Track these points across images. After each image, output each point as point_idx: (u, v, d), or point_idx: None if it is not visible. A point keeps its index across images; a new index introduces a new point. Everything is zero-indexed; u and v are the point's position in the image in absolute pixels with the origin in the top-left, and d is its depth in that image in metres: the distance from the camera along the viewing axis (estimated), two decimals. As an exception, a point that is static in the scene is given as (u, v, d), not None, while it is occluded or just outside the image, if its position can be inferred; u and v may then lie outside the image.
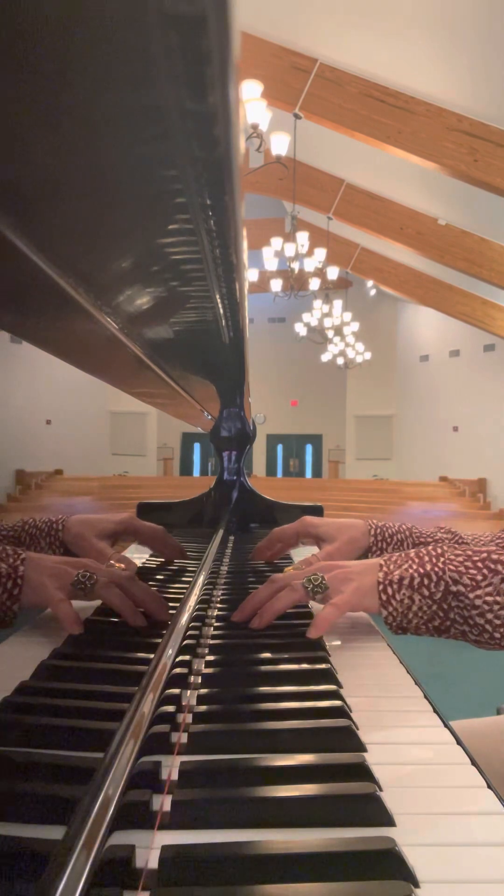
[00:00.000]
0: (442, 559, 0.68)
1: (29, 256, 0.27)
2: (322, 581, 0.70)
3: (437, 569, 0.67)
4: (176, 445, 14.49)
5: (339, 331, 11.01)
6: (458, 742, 0.46)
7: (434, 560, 0.68)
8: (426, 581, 0.67)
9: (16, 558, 0.68)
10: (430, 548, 0.71)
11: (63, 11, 0.15)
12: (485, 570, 0.66)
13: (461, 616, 0.66)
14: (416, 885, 0.30)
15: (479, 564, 0.66)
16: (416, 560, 0.69)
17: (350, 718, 0.46)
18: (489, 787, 0.40)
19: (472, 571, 0.66)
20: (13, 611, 0.66)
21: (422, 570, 0.68)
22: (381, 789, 0.37)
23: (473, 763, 0.43)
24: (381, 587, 0.69)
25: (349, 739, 0.43)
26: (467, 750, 0.45)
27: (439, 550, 0.70)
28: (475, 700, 3.08)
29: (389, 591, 0.68)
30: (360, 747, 0.43)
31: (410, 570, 0.68)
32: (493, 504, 9.69)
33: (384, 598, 0.68)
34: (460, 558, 0.67)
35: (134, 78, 0.18)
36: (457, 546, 0.70)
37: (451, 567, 0.67)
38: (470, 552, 0.68)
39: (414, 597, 0.67)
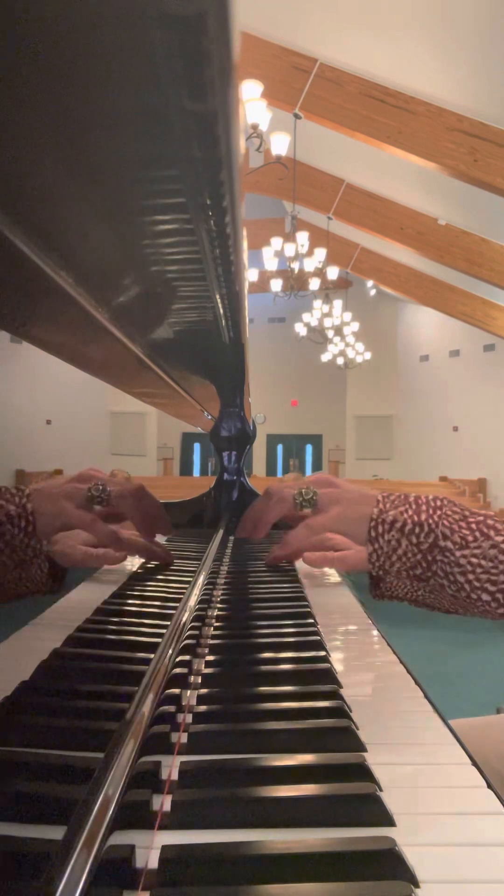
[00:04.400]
0: (438, 512, 0.68)
1: (29, 256, 0.27)
2: (313, 496, 0.70)
3: (431, 521, 0.67)
4: (176, 445, 14.49)
5: (339, 331, 11.02)
6: (458, 742, 0.46)
7: (430, 512, 0.68)
8: (417, 530, 0.67)
9: (21, 495, 0.69)
10: (431, 498, 0.70)
11: (63, 11, 0.15)
12: (477, 533, 0.65)
13: (443, 570, 0.66)
14: (416, 885, 0.30)
15: (473, 526, 0.66)
16: (414, 506, 0.69)
17: (350, 718, 0.46)
18: (489, 786, 0.40)
19: (464, 531, 0.66)
20: (32, 547, 0.67)
21: (416, 518, 0.67)
22: (381, 789, 0.37)
23: (473, 763, 0.43)
24: (372, 523, 0.68)
25: (349, 739, 0.43)
26: (467, 750, 0.45)
27: (439, 503, 0.69)
28: (475, 700, 3.08)
29: (380, 528, 0.68)
30: (360, 747, 0.43)
31: (405, 515, 0.68)
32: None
33: (373, 534, 0.68)
34: (456, 516, 0.67)
35: (134, 78, 0.19)
36: (455, 504, 0.70)
37: (446, 523, 0.67)
38: (468, 512, 0.68)
39: (402, 541, 0.67)
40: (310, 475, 0.78)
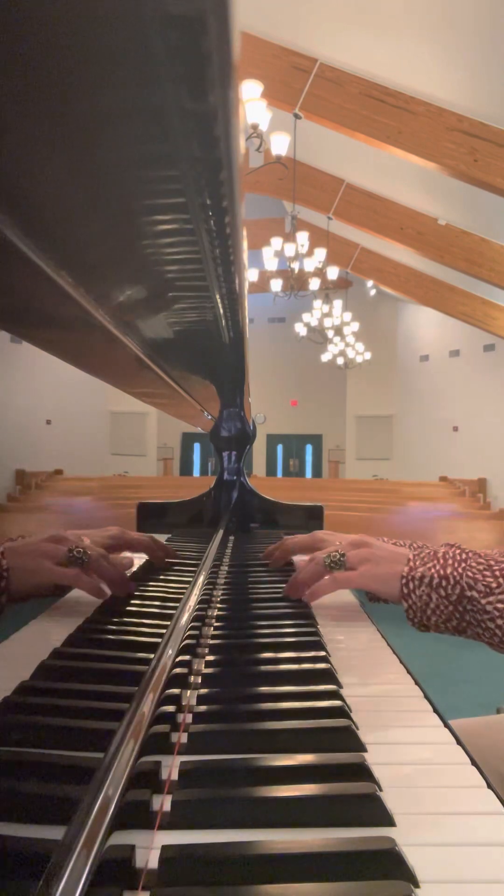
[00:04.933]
0: (463, 564, 0.71)
1: (29, 256, 0.27)
2: (340, 558, 0.76)
3: (456, 573, 0.71)
4: (176, 445, 14.48)
5: (339, 331, 11.02)
6: (458, 742, 0.46)
7: (455, 564, 0.72)
8: (444, 583, 0.71)
9: None
10: (457, 551, 0.74)
11: (63, 12, 0.15)
12: (501, 579, 0.68)
13: (474, 619, 0.70)
14: (416, 885, 0.30)
15: (497, 573, 0.69)
16: (441, 561, 0.73)
17: (350, 718, 0.46)
18: (489, 786, 0.40)
19: (488, 579, 0.69)
20: (1, 602, 0.70)
21: (442, 572, 0.71)
22: (381, 789, 0.37)
23: (473, 763, 0.43)
24: (403, 581, 0.73)
25: (349, 739, 0.43)
26: (467, 750, 0.44)
27: (464, 556, 0.73)
28: (475, 700, 3.08)
29: (411, 585, 0.72)
30: (360, 747, 0.43)
31: (432, 570, 0.72)
32: (493, 504, 9.68)
33: (405, 591, 0.73)
34: (481, 566, 0.71)
35: (134, 78, 0.18)
36: (479, 553, 0.74)
37: (469, 573, 0.70)
38: (492, 561, 0.71)
39: (431, 595, 0.71)
40: (350, 536, 0.84)
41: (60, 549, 0.74)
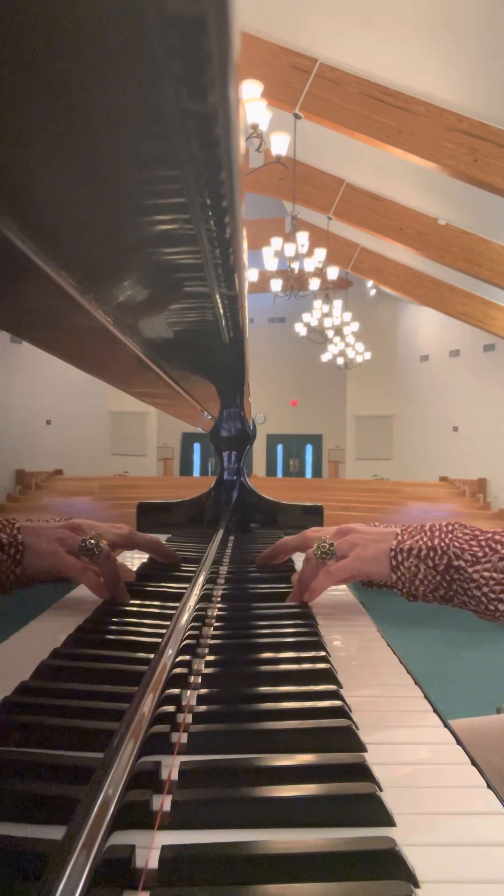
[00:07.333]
0: (450, 536, 0.73)
1: (29, 256, 0.27)
2: (329, 547, 0.76)
3: (443, 544, 0.73)
4: (176, 445, 14.49)
5: (339, 331, 11.02)
6: (458, 742, 0.46)
7: (442, 536, 0.74)
8: (432, 553, 0.73)
9: (11, 527, 0.73)
10: (444, 524, 0.76)
11: (63, 11, 0.15)
12: (486, 549, 0.70)
13: (461, 588, 0.71)
14: (417, 885, 0.30)
15: (483, 542, 0.71)
16: (428, 533, 0.75)
17: (350, 718, 0.46)
18: (489, 786, 0.40)
19: (475, 548, 0.71)
20: (16, 574, 0.71)
21: (430, 544, 0.73)
22: (381, 789, 0.37)
23: (473, 763, 0.43)
24: (392, 553, 0.74)
25: (349, 739, 0.43)
26: (467, 750, 0.44)
27: (450, 528, 0.75)
28: (475, 700, 3.08)
29: (399, 558, 0.74)
30: (360, 747, 0.43)
31: (420, 542, 0.74)
32: (493, 504, 9.69)
33: (394, 563, 0.74)
34: (467, 536, 0.73)
35: (134, 78, 0.18)
36: (465, 525, 0.75)
37: (456, 544, 0.72)
38: (478, 532, 0.73)
39: (420, 566, 0.73)
40: (333, 527, 0.84)
41: (75, 537, 0.75)
